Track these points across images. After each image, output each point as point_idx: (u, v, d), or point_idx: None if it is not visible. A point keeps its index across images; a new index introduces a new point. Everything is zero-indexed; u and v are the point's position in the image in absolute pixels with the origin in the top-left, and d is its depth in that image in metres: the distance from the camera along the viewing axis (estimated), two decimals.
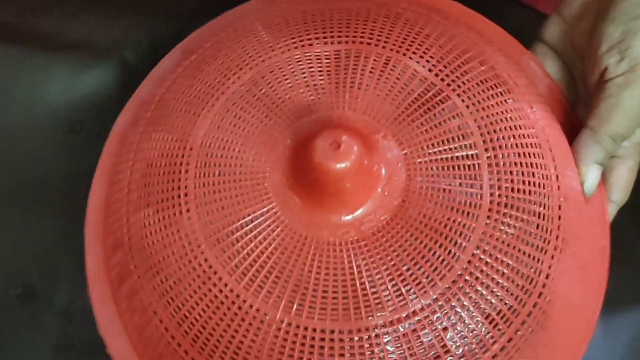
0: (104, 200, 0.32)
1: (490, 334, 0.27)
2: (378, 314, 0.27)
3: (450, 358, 0.27)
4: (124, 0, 0.43)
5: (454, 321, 0.27)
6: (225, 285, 0.28)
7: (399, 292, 0.27)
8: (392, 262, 0.28)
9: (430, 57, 0.31)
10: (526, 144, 0.30)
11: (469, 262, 0.28)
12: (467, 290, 0.27)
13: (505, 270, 0.28)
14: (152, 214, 0.29)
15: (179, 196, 0.29)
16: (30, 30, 0.41)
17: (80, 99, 0.40)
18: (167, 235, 0.29)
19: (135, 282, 0.29)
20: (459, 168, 0.29)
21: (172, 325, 0.28)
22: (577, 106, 0.34)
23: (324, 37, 0.31)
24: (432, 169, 0.29)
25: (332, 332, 0.27)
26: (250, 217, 0.29)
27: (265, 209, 0.29)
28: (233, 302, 0.28)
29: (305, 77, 0.31)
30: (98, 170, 0.33)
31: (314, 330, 0.27)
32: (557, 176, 0.30)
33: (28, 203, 0.39)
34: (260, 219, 0.29)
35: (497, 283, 0.28)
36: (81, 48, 0.41)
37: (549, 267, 0.29)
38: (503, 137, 0.29)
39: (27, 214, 0.39)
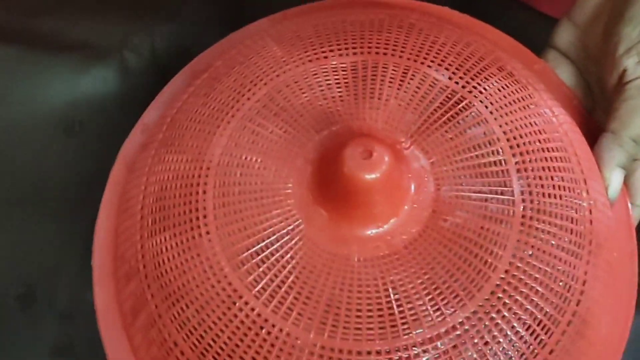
0: (112, 230, 0.30)
1: (531, 346, 0.26)
2: (416, 331, 0.25)
3: None
4: (124, 1, 0.42)
5: (495, 334, 0.26)
6: (252, 309, 0.26)
7: (436, 307, 0.26)
8: (427, 276, 0.26)
9: (449, 64, 0.30)
10: (552, 147, 0.29)
11: (506, 271, 0.26)
12: (506, 301, 0.26)
13: (543, 278, 0.27)
14: (168, 238, 0.28)
15: (198, 218, 0.27)
16: (30, 31, 0.40)
17: (80, 99, 0.40)
18: (187, 260, 0.27)
19: (152, 312, 0.28)
20: (487, 175, 0.28)
21: (195, 357, 0.26)
22: (593, 112, 0.33)
23: (339, 49, 0.31)
24: (460, 177, 0.28)
25: (369, 353, 0.25)
26: (275, 237, 0.27)
27: (290, 227, 0.27)
28: (261, 327, 0.26)
29: (322, 90, 0.30)
30: (104, 200, 0.31)
31: (350, 352, 0.25)
32: (584, 180, 0.29)
33: (28, 203, 0.38)
34: (285, 238, 0.27)
35: (536, 292, 0.26)
36: (81, 49, 0.40)
37: (585, 273, 0.28)
38: (530, 142, 0.29)
39: (27, 214, 0.38)
